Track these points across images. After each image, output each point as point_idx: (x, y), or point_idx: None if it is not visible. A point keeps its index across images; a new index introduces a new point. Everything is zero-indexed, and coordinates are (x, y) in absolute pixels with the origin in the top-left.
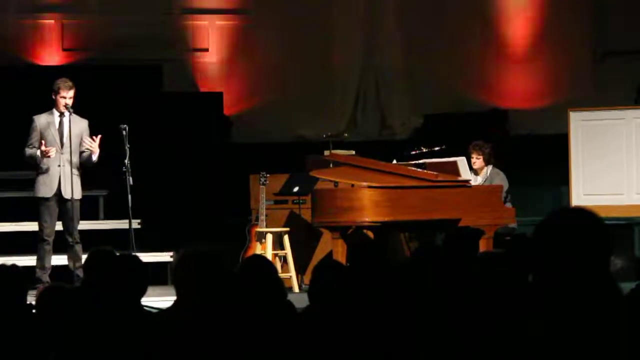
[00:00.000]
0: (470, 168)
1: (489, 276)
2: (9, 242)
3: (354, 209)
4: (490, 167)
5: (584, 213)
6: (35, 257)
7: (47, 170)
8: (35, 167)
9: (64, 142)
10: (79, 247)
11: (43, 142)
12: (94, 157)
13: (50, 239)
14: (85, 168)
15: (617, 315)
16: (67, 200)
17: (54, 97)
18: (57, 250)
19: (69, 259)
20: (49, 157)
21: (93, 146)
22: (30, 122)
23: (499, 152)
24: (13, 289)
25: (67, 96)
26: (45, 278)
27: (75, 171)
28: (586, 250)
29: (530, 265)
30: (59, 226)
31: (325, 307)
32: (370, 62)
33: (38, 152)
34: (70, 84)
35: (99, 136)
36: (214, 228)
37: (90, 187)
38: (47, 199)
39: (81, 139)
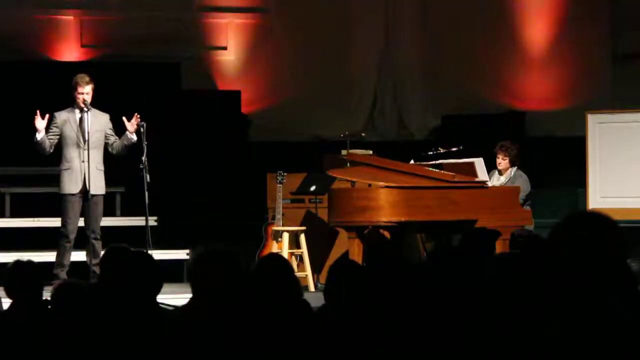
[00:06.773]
0: (495, 168)
1: (505, 277)
2: (27, 238)
3: (370, 208)
4: (514, 169)
5: (598, 217)
6: (54, 253)
7: (70, 167)
8: (59, 162)
9: (86, 138)
10: (98, 244)
11: (54, 132)
12: (132, 136)
13: (72, 237)
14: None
15: (634, 319)
16: (90, 196)
17: (73, 93)
18: (77, 246)
19: (87, 254)
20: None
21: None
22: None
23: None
24: (29, 285)
25: (84, 92)
26: (63, 275)
27: (98, 167)
28: (601, 255)
29: (544, 268)
30: (80, 222)
31: (340, 306)
32: (388, 62)
33: (38, 136)
34: (87, 79)
35: (136, 116)
36: (231, 226)
37: (107, 184)
38: (72, 196)
39: (105, 134)
